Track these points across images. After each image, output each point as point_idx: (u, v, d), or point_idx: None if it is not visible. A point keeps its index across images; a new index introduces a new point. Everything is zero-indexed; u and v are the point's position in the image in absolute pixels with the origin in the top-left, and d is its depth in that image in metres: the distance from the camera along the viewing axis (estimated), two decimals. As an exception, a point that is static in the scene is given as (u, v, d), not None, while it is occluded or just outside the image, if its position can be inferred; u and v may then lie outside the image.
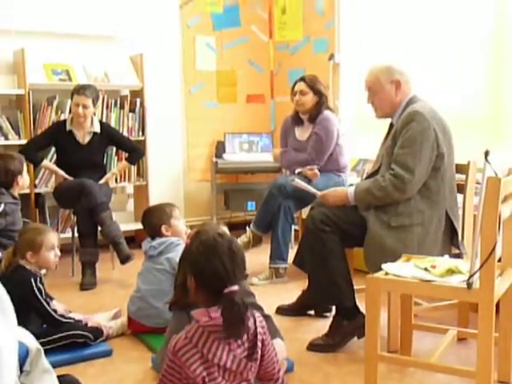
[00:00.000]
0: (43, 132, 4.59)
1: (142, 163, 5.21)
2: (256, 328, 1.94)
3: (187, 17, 5.66)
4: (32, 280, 2.86)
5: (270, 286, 3.99)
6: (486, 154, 2.13)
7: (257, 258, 4.33)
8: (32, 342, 1.85)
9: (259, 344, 1.95)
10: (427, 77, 4.39)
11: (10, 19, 4.76)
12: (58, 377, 1.95)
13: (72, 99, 4.41)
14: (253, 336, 1.93)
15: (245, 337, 1.91)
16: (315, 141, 4.30)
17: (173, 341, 1.87)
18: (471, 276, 2.18)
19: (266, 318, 2.36)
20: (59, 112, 4.91)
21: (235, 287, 1.89)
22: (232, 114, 5.97)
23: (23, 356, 1.79)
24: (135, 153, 4.74)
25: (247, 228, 4.33)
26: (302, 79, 4.39)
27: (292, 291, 3.65)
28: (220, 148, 5.68)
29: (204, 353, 1.83)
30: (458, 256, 2.89)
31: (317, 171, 4.21)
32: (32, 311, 2.86)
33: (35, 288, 2.85)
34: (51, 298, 3.09)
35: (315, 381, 2.63)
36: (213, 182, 5.67)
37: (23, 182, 3.87)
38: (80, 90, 4.39)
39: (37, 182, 4.83)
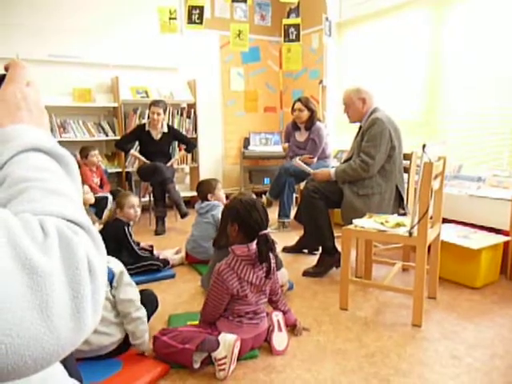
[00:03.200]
0: (130, 131, 4.58)
1: (195, 152, 5.21)
2: (271, 259, 1.98)
3: (224, 55, 5.61)
4: (125, 227, 2.90)
5: (279, 234, 4.01)
6: (424, 146, 2.10)
7: (270, 215, 4.33)
8: (117, 267, 1.88)
9: (273, 269, 1.99)
10: (387, 96, 4.32)
11: (110, 57, 4.80)
12: (141, 291, 1.98)
13: (150, 109, 4.39)
14: (268, 263, 1.96)
15: (264, 263, 1.95)
16: (312, 144, 4.24)
17: (217, 266, 1.93)
18: (412, 228, 2.17)
19: (276, 256, 2.38)
20: (140, 118, 4.92)
21: (266, 231, 1.94)
22: (254, 119, 5.92)
23: (111, 276, 1.82)
24: (190, 145, 4.71)
25: (263, 195, 4.34)
26: (299, 100, 4.26)
27: (293, 237, 3.66)
28: (246, 142, 5.66)
29: (238, 273, 1.88)
30: (404, 215, 2.87)
31: (314, 160, 4.20)
32: (124, 248, 2.90)
33: (127, 232, 2.90)
34: (138, 243, 3.11)
35: (308, 296, 2.65)
36: (241, 165, 5.67)
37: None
38: (155, 103, 4.38)
39: (126, 164, 4.87)
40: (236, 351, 1.80)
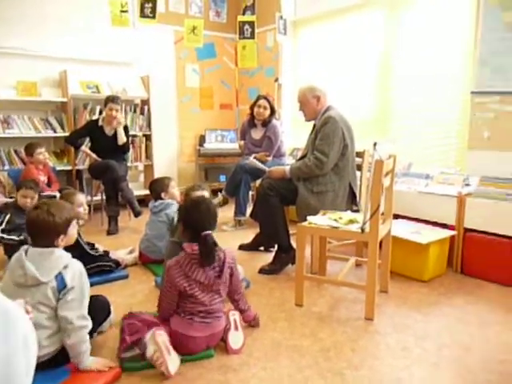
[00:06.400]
0: (82, 127, 4.40)
1: (149, 149, 5.10)
2: (225, 259, 1.96)
3: (179, 51, 5.51)
4: None
5: (235, 232, 3.99)
6: (375, 144, 2.14)
7: (226, 214, 4.32)
8: (72, 280, 1.74)
9: (227, 270, 1.97)
10: (341, 94, 4.41)
11: (57, 49, 4.61)
12: (92, 297, 1.87)
13: (106, 105, 4.17)
14: (222, 264, 1.94)
15: (216, 263, 1.92)
16: (268, 142, 4.25)
17: (168, 262, 1.93)
18: (364, 224, 2.21)
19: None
20: (91, 114, 4.74)
21: (209, 232, 1.90)
22: (210, 116, 5.87)
23: (62, 286, 1.70)
24: (125, 147, 4.38)
25: (219, 193, 4.30)
26: (265, 98, 4.28)
27: (249, 235, 3.65)
28: (201, 139, 5.59)
29: (186, 271, 1.88)
30: (357, 211, 2.93)
31: (270, 158, 4.20)
32: (73, 249, 2.77)
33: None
34: (93, 244, 2.98)
35: (264, 293, 2.65)
36: (197, 162, 5.60)
37: None
38: (114, 99, 4.19)
39: (77, 161, 4.68)
40: (160, 340, 1.75)
